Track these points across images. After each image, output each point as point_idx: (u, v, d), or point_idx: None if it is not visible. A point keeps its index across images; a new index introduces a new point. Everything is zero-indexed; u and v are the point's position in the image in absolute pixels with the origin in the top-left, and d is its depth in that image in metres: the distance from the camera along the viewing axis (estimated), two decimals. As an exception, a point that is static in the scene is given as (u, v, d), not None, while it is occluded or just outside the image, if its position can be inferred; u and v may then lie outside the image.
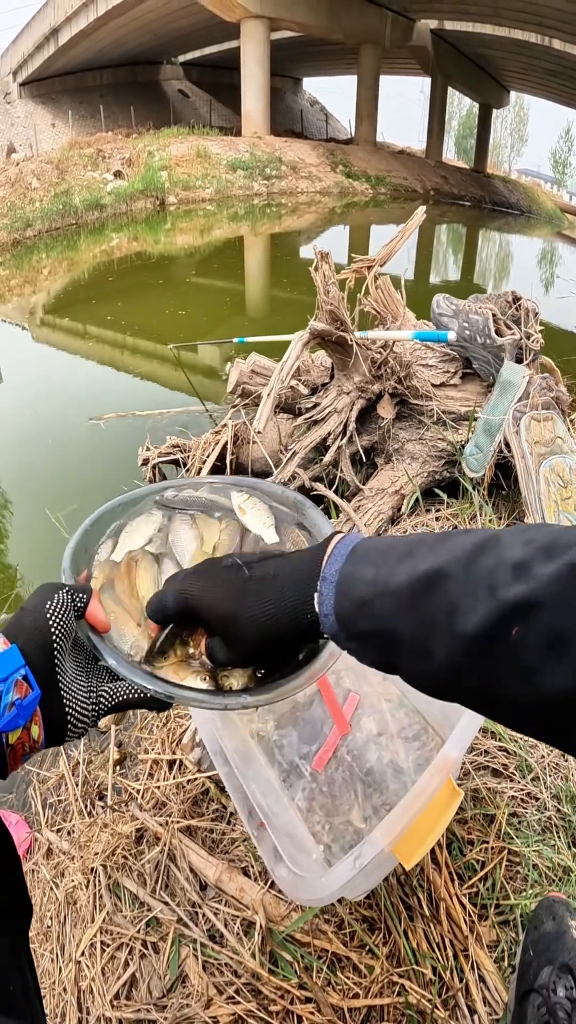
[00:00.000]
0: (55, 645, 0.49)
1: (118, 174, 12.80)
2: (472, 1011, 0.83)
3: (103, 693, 0.53)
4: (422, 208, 1.86)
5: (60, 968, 1.03)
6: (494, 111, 28.89)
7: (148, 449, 2.06)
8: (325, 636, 0.48)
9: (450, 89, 24.77)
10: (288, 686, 0.53)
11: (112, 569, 0.63)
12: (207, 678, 0.54)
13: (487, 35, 18.72)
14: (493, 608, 0.37)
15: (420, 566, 0.42)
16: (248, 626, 0.49)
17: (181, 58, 25.29)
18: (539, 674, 0.35)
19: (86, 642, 0.54)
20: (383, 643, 0.43)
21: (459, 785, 1.09)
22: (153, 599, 0.55)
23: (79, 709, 0.50)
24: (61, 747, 1.44)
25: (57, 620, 0.49)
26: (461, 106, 37.25)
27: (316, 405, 1.72)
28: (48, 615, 0.49)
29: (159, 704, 0.54)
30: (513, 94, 29.91)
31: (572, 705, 0.34)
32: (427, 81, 23.64)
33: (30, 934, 1.13)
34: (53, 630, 0.49)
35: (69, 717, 0.50)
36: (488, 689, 0.38)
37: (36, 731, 0.48)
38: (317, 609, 0.46)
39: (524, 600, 0.36)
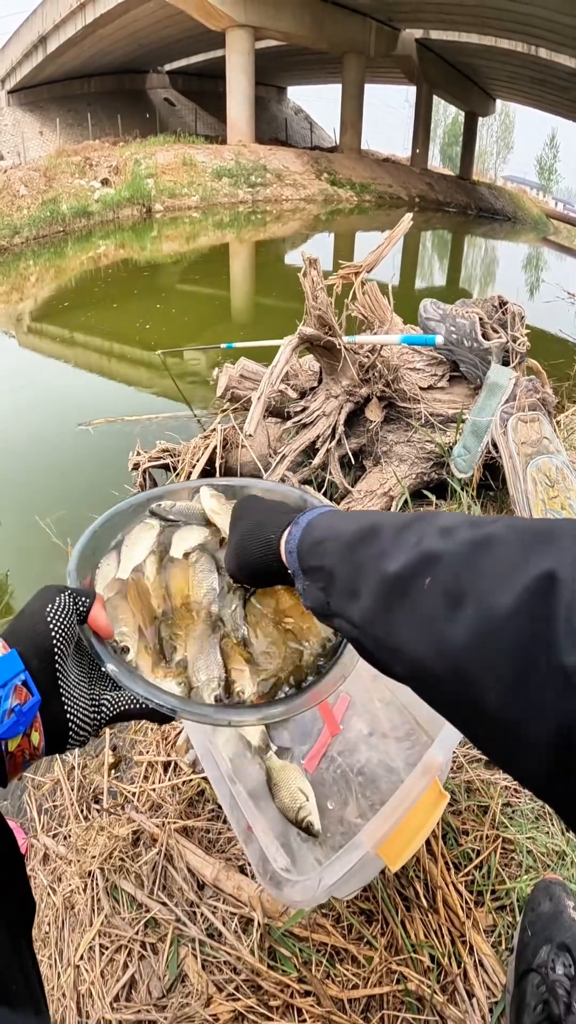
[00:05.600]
0: (56, 650, 0.47)
1: (105, 182, 12.82)
2: (471, 995, 0.84)
3: (105, 701, 0.51)
4: (408, 215, 1.88)
5: (59, 974, 1.02)
6: (480, 119, 29.11)
7: (139, 454, 2.07)
8: (289, 572, 0.55)
9: (436, 97, 24.96)
10: (295, 703, 0.54)
11: (120, 586, 0.62)
12: (178, 674, 0.55)
13: (473, 44, 18.82)
14: (413, 556, 0.40)
15: (363, 521, 0.48)
16: (243, 548, 0.60)
17: (167, 67, 25.39)
18: (435, 624, 0.37)
19: (88, 648, 0.52)
20: (323, 580, 0.49)
21: (452, 778, 1.10)
22: None
23: (81, 716, 0.48)
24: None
25: (58, 624, 0.48)
26: (447, 114, 37.68)
27: (305, 409, 1.74)
28: (49, 619, 0.48)
29: (161, 716, 0.52)
30: (499, 102, 30.16)
31: (463, 666, 0.35)
32: (412, 89, 23.75)
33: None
34: (54, 634, 0.47)
35: (71, 724, 0.48)
36: (392, 639, 0.41)
37: (36, 738, 0.46)
38: (283, 545, 0.55)
39: (437, 553, 0.39)
